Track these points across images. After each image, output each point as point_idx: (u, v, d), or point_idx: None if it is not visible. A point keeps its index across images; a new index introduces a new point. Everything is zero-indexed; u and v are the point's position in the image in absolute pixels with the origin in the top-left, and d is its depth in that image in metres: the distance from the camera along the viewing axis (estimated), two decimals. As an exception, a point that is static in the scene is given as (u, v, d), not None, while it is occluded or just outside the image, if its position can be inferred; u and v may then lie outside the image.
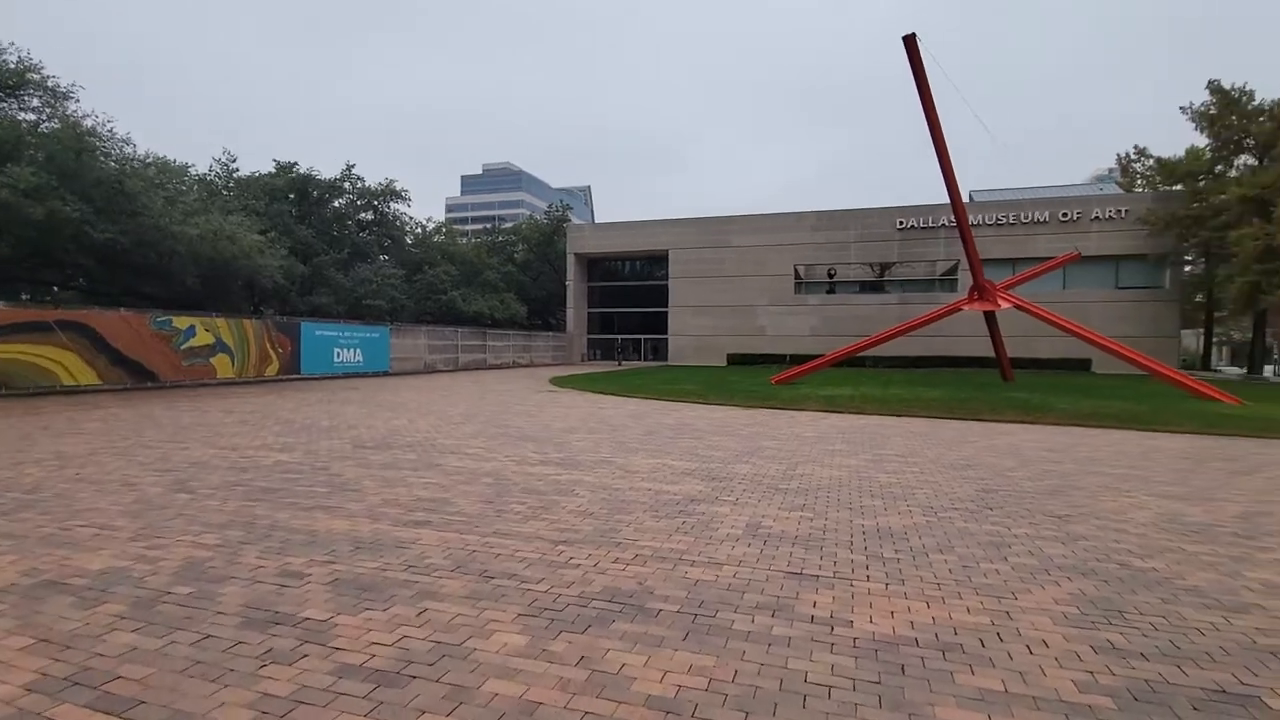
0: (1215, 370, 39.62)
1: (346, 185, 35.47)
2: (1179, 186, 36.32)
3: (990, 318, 24.74)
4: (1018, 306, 23.27)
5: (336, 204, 35.52)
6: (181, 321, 19.87)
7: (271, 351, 22.91)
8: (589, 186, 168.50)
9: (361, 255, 33.91)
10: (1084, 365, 35.75)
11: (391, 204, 37.46)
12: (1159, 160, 36.20)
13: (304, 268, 29.04)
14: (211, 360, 20.76)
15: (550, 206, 53.62)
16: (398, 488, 6.11)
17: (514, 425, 10.83)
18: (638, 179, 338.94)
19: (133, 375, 18.33)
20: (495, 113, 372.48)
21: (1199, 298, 38.43)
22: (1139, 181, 42.99)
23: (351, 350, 26.64)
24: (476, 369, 34.62)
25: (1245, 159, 33.94)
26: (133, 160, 19.78)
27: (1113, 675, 2.75)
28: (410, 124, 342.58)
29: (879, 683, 2.66)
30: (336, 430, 10.03)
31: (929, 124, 20.59)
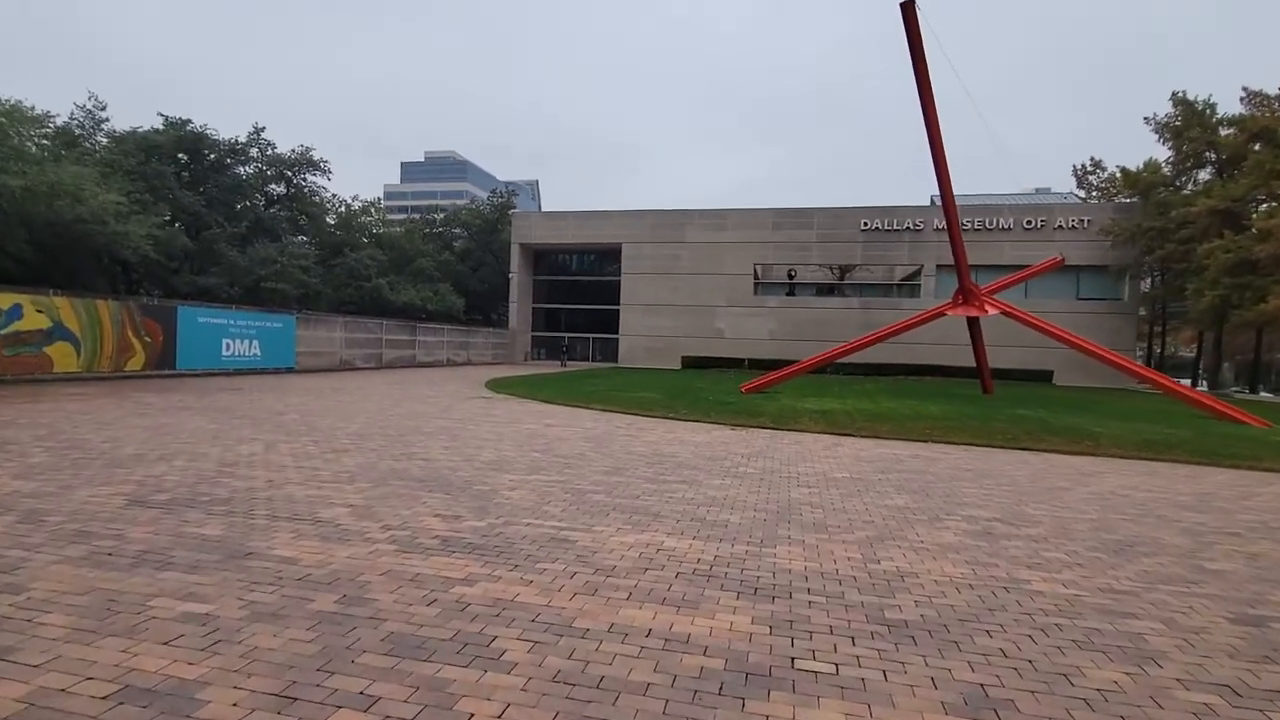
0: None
1: (254, 152, 30.57)
2: (1135, 198, 36.03)
3: (974, 325, 22.89)
4: (1006, 313, 21.44)
5: (241, 171, 30.58)
6: (2, 299, 15.44)
7: (135, 341, 18.54)
8: (537, 180, 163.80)
9: (269, 232, 29.10)
10: (1046, 376, 34.90)
11: (308, 175, 32.73)
12: (1122, 170, 35.72)
13: (189, 241, 24.29)
14: (47, 350, 16.34)
15: (493, 192, 49.55)
16: (101, 642, 2.81)
17: (421, 455, 7.53)
18: (588, 180, 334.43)
19: (-81, 367, 13.88)
20: (440, 108, 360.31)
21: (1144, 310, 38.39)
22: (1094, 194, 43.00)
23: (246, 342, 22.36)
24: (404, 367, 30.62)
25: (1203, 173, 33.78)
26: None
27: None
28: (351, 113, 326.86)
29: None
30: (137, 463, 6.50)
31: (923, 105, 18.39)
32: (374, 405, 12.97)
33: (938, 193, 21.37)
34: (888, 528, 5.10)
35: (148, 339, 18.96)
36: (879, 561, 4.26)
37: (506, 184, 60.62)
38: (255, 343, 22.75)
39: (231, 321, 21.92)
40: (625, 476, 6.72)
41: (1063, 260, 28.14)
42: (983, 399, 20.16)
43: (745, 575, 3.90)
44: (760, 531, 4.87)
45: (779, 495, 6.11)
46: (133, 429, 8.74)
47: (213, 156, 28.38)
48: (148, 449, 7.32)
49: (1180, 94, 32.43)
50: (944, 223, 37.59)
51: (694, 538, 4.64)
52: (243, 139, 29.86)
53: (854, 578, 3.93)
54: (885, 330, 21.84)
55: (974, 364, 35.67)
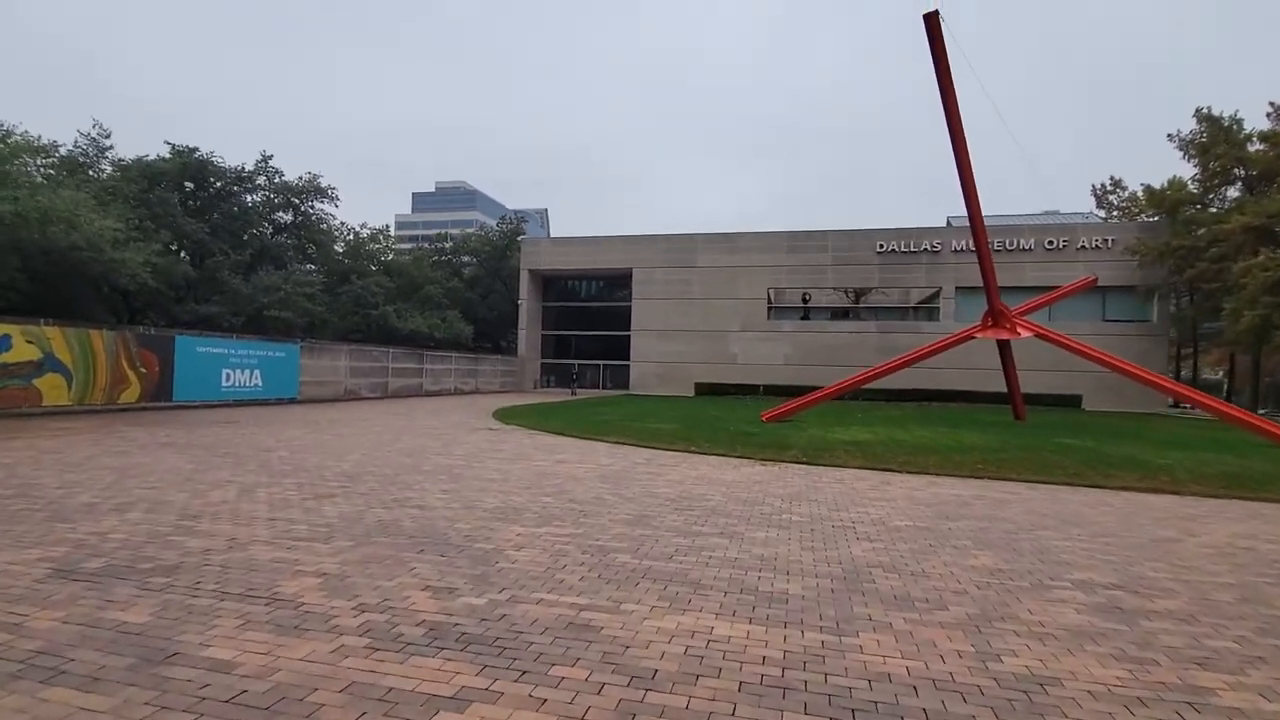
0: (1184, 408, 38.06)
1: (262, 180, 30.30)
2: (1159, 217, 35.14)
3: (1004, 348, 21.80)
4: (1040, 335, 20.40)
5: (249, 200, 30.30)
6: (-11, 329, 14.79)
7: (130, 372, 17.85)
8: (546, 209, 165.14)
9: (274, 259, 28.61)
10: (1074, 401, 33.57)
11: (315, 203, 32.43)
12: (1146, 188, 34.83)
13: (191, 269, 23.76)
14: (36, 382, 15.64)
15: (503, 219, 49.33)
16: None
17: (416, 502, 6.59)
18: (594, 203, 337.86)
19: (-104, 402, 13.17)
20: (450, 140, 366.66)
21: (1174, 331, 37.06)
22: (1114, 213, 42.10)
23: (247, 372, 21.65)
24: (410, 396, 29.83)
25: (1232, 190, 32.82)
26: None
27: None
28: (364, 147, 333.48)
29: None
30: (85, 516, 5.59)
31: (949, 120, 17.69)
32: (372, 439, 12.06)
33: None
34: (988, 600, 4.08)
35: (143, 370, 18.26)
36: (999, 657, 3.24)
37: (515, 212, 60.60)
38: (257, 373, 22.03)
39: (232, 351, 21.23)
40: (652, 528, 5.73)
41: (1096, 280, 27.09)
42: (1019, 427, 19.01)
43: (831, 686, 2.89)
44: (831, 609, 3.86)
45: (839, 552, 5.10)
46: (99, 471, 7.87)
47: (219, 184, 28.11)
48: (105, 497, 6.42)
49: (1205, 110, 31.65)
50: (963, 244, 36.92)
51: (750, 620, 3.64)
52: (250, 167, 29.72)
53: (978, 687, 2.91)
54: (913, 354, 20.82)
55: (999, 389, 34.45)
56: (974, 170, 18.54)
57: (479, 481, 7.81)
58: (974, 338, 20.90)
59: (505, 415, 18.66)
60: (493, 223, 59.41)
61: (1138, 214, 39.35)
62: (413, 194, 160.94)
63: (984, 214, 19.83)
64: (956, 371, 34.60)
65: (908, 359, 20.67)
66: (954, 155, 18.21)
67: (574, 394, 33.22)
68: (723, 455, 10.91)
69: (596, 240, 42.55)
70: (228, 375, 20.97)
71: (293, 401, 23.23)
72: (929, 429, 16.76)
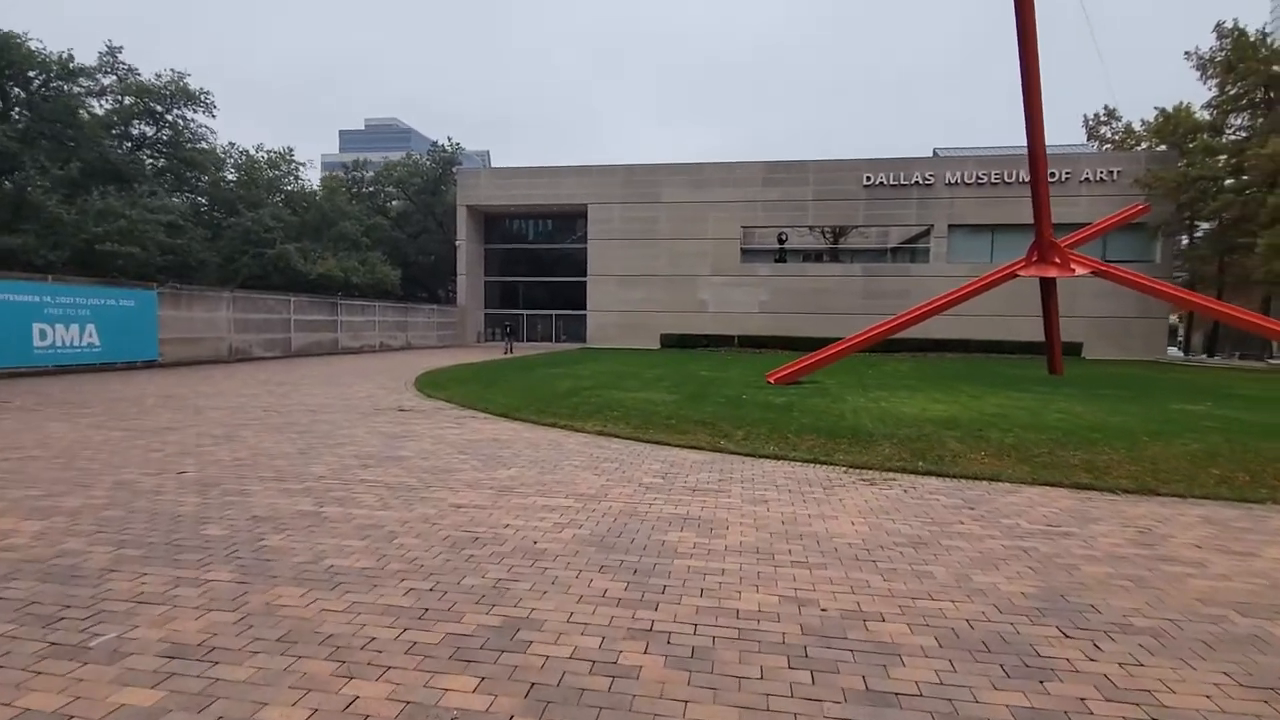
0: (1167, 353, 36.37)
1: (110, 81, 23.23)
2: (1163, 147, 32.33)
3: (1049, 289, 18.22)
4: (1098, 272, 16.92)
5: (97, 105, 23.22)
6: None
7: None
8: (488, 151, 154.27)
9: (122, 179, 21.83)
10: (1075, 349, 30.95)
11: (186, 112, 25.47)
12: (1160, 112, 31.64)
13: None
14: None
15: (435, 146, 42.59)
16: None
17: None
18: (541, 154, 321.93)
19: None
20: (383, 81, 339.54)
21: (1186, 272, 34.80)
22: (1106, 146, 39.20)
23: (75, 327, 15.97)
24: (323, 354, 24.44)
25: (1246, 118, 30.01)
26: None
27: None
28: (288, 86, 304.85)
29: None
30: None
31: (1019, 20, 13.47)
32: (184, 439, 7.20)
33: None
34: None
35: (-111, 326, 12.53)
36: None
37: (451, 140, 53.46)
38: (90, 328, 16.34)
39: (48, 298, 15.46)
40: None
41: (1149, 208, 24.02)
42: (1085, 385, 15.56)
43: None
44: None
45: None
46: None
47: (39, 79, 20.98)
48: None
49: (1229, 23, 28.33)
50: (957, 176, 33.14)
51: None
52: (91, 62, 22.51)
53: None
54: (947, 297, 16.95)
55: (994, 337, 31.66)
56: (1042, 83, 14.42)
57: (304, 586, 3.23)
58: (1016, 275, 17.20)
59: (431, 383, 13.84)
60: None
61: (1133, 146, 36.56)
62: (340, 131, 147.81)
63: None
64: (949, 320, 31.35)
65: (942, 303, 16.81)
66: (1019, 56, 14.03)
67: (509, 352, 27.06)
68: (779, 458, 6.60)
69: (546, 171, 36.89)
70: (43, 332, 15.27)
71: (150, 365, 17.69)
72: (998, 394, 12.97)
